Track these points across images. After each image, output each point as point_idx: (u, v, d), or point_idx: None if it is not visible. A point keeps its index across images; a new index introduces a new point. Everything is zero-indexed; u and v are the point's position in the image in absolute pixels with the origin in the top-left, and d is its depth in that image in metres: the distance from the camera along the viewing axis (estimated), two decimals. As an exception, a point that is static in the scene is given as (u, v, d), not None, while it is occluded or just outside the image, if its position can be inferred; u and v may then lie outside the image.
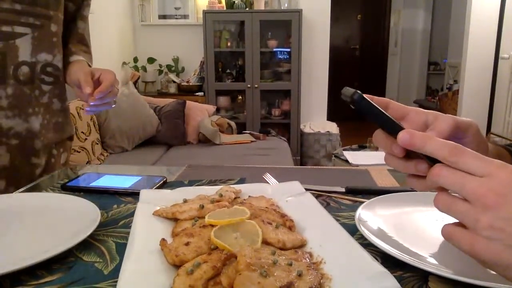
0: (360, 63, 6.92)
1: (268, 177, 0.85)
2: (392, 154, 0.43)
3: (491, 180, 0.35)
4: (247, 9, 3.94)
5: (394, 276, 0.42)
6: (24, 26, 0.92)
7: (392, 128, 0.41)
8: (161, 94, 4.10)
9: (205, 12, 3.81)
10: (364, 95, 0.44)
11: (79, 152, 2.45)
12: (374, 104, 0.41)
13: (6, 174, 0.95)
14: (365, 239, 0.55)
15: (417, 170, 0.41)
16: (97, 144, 2.70)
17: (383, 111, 0.41)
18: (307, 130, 4.03)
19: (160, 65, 4.22)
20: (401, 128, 0.40)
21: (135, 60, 4.13)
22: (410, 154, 0.42)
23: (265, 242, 0.52)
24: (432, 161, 0.39)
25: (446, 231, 0.38)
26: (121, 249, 0.55)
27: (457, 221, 0.38)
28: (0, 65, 0.90)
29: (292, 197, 0.68)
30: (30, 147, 0.98)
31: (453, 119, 0.46)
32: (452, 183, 0.37)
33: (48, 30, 0.97)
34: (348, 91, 0.42)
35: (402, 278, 0.48)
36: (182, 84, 4.11)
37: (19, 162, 0.97)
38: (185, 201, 0.65)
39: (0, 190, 0.94)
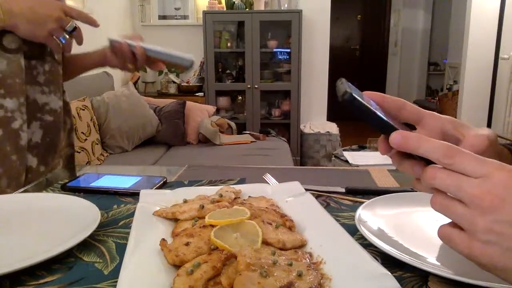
0: (360, 63, 6.92)
1: (268, 177, 0.85)
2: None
3: (487, 181, 0.34)
4: (247, 9, 3.94)
5: (394, 276, 0.42)
6: None
7: (385, 128, 0.40)
8: (161, 94, 4.10)
9: (205, 13, 3.81)
10: (374, 94, 0.43)
11: (79, 152, 2.45)
12: (366, 104, 0.39)
13: (37, 152, 0.95)
14: (365, 239, 0.55)
15: (414, 172, 0.40)
16: (97, 144, 2.70)
17: (377, 111, 0.40)
18: (307, 130, 4.03)
19: (160, 66, 4.22)
20: (394, 129, 0.39)
21: (135, 60, 4.12)
22: (408, 154, 0.41)
23: (265, 242, 0.52)
24: (428, 162, 0.38)
25: (442, 232, 0.38)
26: (121, 249, 0.55)
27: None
28: (33, 45, 0.91)
29: (292, 198, 0.68)
30: (60, 126, 1.00)
31: (489, 140, 0.43)
32: (447, 185, 0.36)
33: None
34: (340, 87, 0.40)
35: (402, 278, 0.48)
36: (182, 84, 4.11)
37: (50, 140, 0.98)
38: (185, 201, 0.65)
39: (32, 168, 0.94)
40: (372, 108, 0.40)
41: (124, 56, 0.96)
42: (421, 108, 0.48)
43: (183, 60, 0.90)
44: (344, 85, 0.40)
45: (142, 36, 0.98)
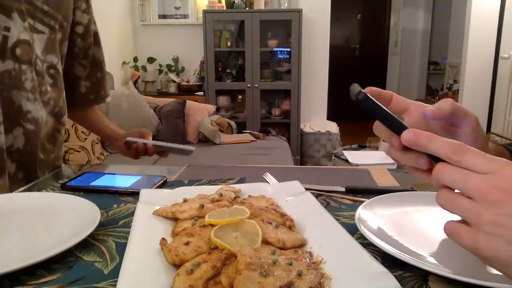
0: (360, 63, 6.92)
1: (268, 176, 0.85)
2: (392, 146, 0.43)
3: (494, 176, 0.35)
4: (247, 8, 3.93)
5: (394, 276, 0.42)
6: (44, 26, 0.94)
7: (397, 127, 0.41)
8: (161, 93, 4.09)
9: (205, 12, 3.81)
10: (370, 89, 0.44)
11: (79, 151, 2.45)
12: (379, 103, 0.42)
13: (18, 157, 0.93)
14: (365, 238, 0.55)
15: (418, 164, 0.41)
16: (97, 143, 2.70)
17: (388, 110, 0.42)
18: (307, 129, 4.03)
19: (160, 65, 4.22)
20: (405, 127, 0.40)
21: (135, 59, 4.13)
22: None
23: (265, 242, 0.52)
24: (436, 159, 0.39)
25: (448, 227, 0.38)
26: (121, 248, 0.55)
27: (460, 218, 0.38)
28: (27, 49, 0.90)
29: (292, 197, 0.68)
30: (39, 136, 0.98)
31: (453, 102, 0.47)
32: (455, 180, 0.37)
33: (56, 36, 0.99)
34: (354, 88, 0.42)
35: (402, 277, 0.48)
36: (182, 83, 4.11)
37: (31, 149, 0.95)
38: (185, 200, 0.65)
39: (10, 174, 0.92)
40: (383, 107, 0.42)
41: (138, 153, 1.12)
42: (407, 99, 0.49)
43: (184, 151, 1.07)
44: (357, 87, 0.43)
45: (149, 133, 1.16)
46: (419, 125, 0.47)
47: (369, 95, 0.41)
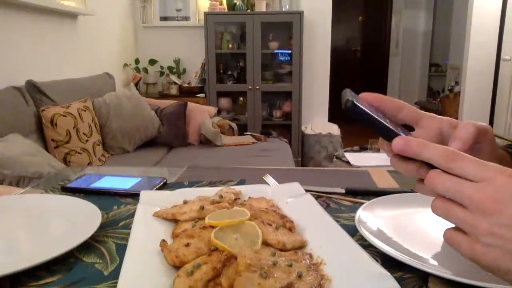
0: (361, 64, 6.92)
1: (269, 178, 0.85)
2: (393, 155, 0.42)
3: (488, 185, 0.34)
4: (248, 10, 3.94)
5: (394, 277, 0.42)
6: None
7: (388, 134, 0.40)
8: (162, 95, 4.10)
9: (206, 14, 3.81)
10: (372, 95, 0.43)
11: (80, 153, 2.45)
12: (368, 111, 0.40)
13: None
14: (365, 240, 0.55)
15: (419, 174, 0.40)
16: (98, 145, 2.70)
17: (377, 117, 0.41)
18: (308, 131, 4.03)
19: (162, 67, 4.23)
20: (396, 135, 0.39)
21: (137, 61, 4.13)
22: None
23: (265, 243, 0.52)
24: (431, 166, 0.38)
25: (446, 235, 0.38)
26: (121, 250, 0.55)
27: None
28: None
29: (292, 198, 0.68)
30: None
31: (475, 126, 0.44)
32: (448, 189, 0.36)
33: None
34: (344, 95, 0.41)
35: (402, 279, 0.48)
36: (184, 85, 4.11)
37: None
38: (185, 202, 0.65)
39: None
40: (374, 114, 0.40)
41: None
42: (419, 110, 0.48)
43: None
44: (347, 94, 0.41)
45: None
46: (433, 138, 0.46)
47: (357, 103, 0.40)
